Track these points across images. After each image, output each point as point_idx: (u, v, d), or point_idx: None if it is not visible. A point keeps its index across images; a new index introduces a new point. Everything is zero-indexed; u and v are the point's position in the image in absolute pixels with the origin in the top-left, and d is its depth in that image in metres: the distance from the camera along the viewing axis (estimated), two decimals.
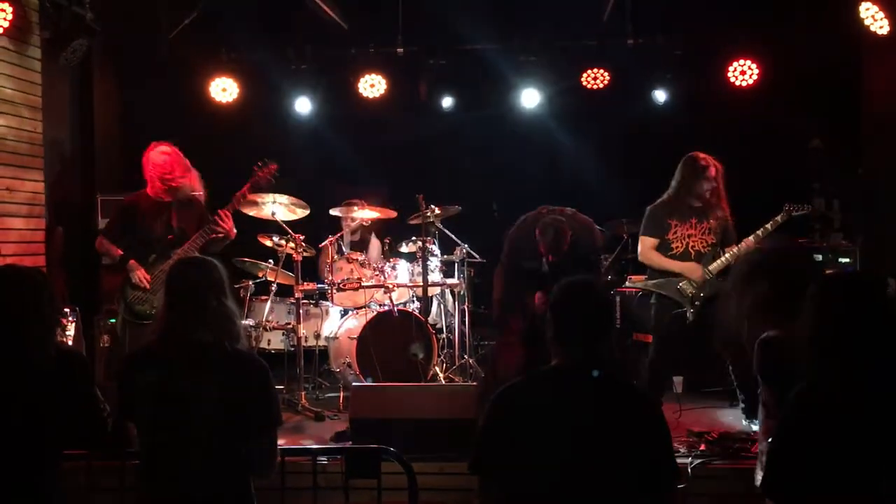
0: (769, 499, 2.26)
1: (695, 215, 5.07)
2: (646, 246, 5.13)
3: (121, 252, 4.99)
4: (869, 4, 5.49)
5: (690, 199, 5.05)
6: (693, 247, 5.06)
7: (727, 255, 4.99)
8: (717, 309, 4.93)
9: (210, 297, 2.70)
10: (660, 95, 7.20)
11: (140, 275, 4.90)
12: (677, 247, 5.07)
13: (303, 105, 7.43)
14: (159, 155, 4.99)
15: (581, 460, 2.32)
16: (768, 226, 4.99)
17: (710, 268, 5.00)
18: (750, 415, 4.86)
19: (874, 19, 5.51)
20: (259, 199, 5.90)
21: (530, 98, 7.24)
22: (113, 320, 5.00)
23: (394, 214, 6.37)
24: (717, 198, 5.07)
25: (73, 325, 5.10)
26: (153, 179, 5.00)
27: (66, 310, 4.99)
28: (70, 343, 4.99)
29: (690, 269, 5.01)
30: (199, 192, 5.12)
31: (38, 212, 5.74)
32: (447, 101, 7.42)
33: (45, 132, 5.80)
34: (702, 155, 5.07)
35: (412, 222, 6.32)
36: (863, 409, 2.15)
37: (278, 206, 5.95)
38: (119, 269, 5.02)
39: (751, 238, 4.99)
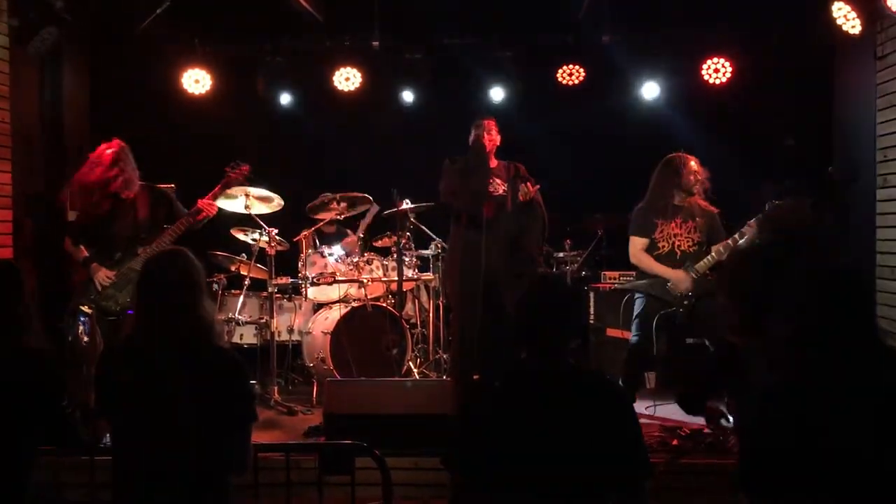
0: (744, 492, 2.27)
1: (679, 214, 5.10)
2: (636, 247, 5.17)
3: (86, 254, 5.00)
4: (841, 4, 5.53)
5: (673, 197, 5.09)
6: (679, 246, 5.09)
7: (713, 253, 5.02)
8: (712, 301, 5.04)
9: (185, 292, 2.67)
10: (635, 92, 7.22)
11: (102, 276, 4.93)
12: (663, 246, 5.11)
13: (277, 97, 7.37)
14: (89, 172, 4.98)
15: (552, 453, 2.34)
16: (752, 222, 4.97)
17: (697, 266, 5.03)
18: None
19: (846, 19, 5.55)
20: (232, 193, 5.86)
21: (504, 93, 7.24)
22: (81, 315, 4.95)
23: (370, 200, 6.34)
24: (702, 194, 5.13)
25: (86, 325, 5.05)
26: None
27: (86, 308, 4.97)
28: (86, 340, 4.96)
29: (678, 278, 5.03)
30: (133, 187, 5.06)
31: (5, 203, 5.64)
32: (422, 95, 7.39)
33: (13, 122, 5.69)
34: (679, 154, 5.15)
35: (385, 213, 6.31)
36: (835, 400, 2.17)
37: (252, 200, 5.91)
38: (84, 267, 5.02)
39: (735, 236, 5.00)
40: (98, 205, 4.97)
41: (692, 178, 5.08)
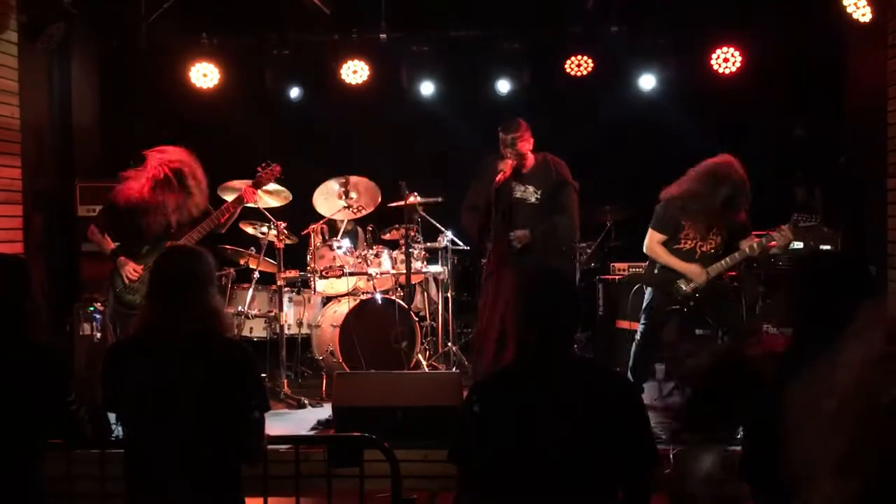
0: (747, 482, 2.27)
1: (710, 219, 4.92)
2: (653, 240, 5.06)
3: (112, 246, 4.93)
4: None
5: (711, 206, 4.83)
6: (702, 247, 4.96)
7: (728, 259, 4.91)
8: (720, 303, 4.98)
9: (196, 286, 2.68)
10: (643, 82, 7.19)
11: (129, 269, 4.84)
12: (685, 244, 4.99)
13: (285, 91, 7.37)
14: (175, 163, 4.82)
15: (558, 445, 2.33)
16: (774, 235, 4.82)
17: (710, 269, 4.93)
18: None
19: (857, 7, 5.51)
20: (240, 187, 5.86)
21: (512, 85, 7.22)
22: (91, 308, 4.96)
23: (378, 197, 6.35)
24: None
25: (98, 321, 5.05)
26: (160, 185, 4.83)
27: (99, 305, 4.96)
28: (98, 337, 4.96)
29: (694, 272, 4.93)
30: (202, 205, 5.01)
31: (15, 199, 5.66)
32: (430, 88, 7.38)
33: (22, 118, 5.72)
34: (735, 168, 4.81)
35: (393, 205, 6.31)
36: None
37: (260, 194, 5.91)
38: (109, 260, 4.97)
39: (754, 245, 4.87)
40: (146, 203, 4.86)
41: (742, 193, 4.79)
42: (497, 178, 5.21)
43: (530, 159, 5.36)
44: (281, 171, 5.30)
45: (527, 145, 5.29)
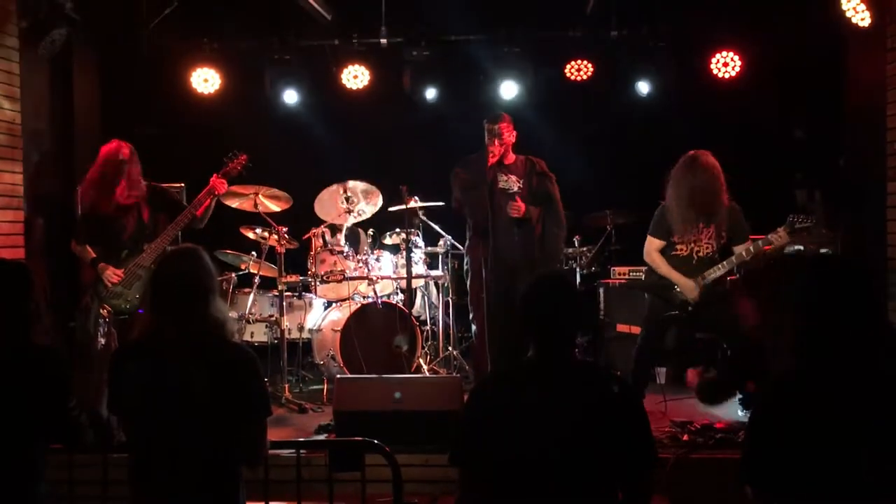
0: (748, 486, 2.27)
1: (703, 219, 4.91)
2: (652, 246, 5.06)
3: (93, 255, 5.03)
4: None
5: (695, 198, 4.84)
6: (697, 252, 4.93)
7: (724, 263, 4.88)
8: (719, 308, 4.97)
9: (196, 288, 2.68)
10: (643, 87, 7.20)
11: (109, 274, 4.92)
12: (681, 249, 4.96)
13: (285, 96, 7.38)
14: (95, 173, 5.01)
15: (560, 448, 2.34)
16: (770, 237, 4.79)
17: (706, 274, 4.90)
18: (746, 406, 4.91)
19: (856, 11, 5.52)
20: (242, 191, 5.89)
21: (512, 89, 7.23)
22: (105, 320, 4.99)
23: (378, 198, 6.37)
24: (718, 195, 4.88)
25: (103, 327, 5.07)
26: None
27: (104, 311, 4.99)
28: (102, 343, 4.98)
29: (687, 287, 4.91)
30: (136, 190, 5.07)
31: (16, 204, 5.67)
32: (430, 93, 7.40)
33: (24, 123, 5.72)
34: (697, 152, 4.89)
35: (393, 209, 6.31)
36: (838, 396, 2.17)
37: (261, 198, 5.93)
38: (92, 267, 5.04)
39: (750, 248, 4.84)
40: (102, 205, 5.00)
41: (712, 175, 4.82)
42: (490, 160, 5.40)
43: (512, 153, 5.58)
44: (247, 159, 5.29)
45: (511, 137, 5.52)
